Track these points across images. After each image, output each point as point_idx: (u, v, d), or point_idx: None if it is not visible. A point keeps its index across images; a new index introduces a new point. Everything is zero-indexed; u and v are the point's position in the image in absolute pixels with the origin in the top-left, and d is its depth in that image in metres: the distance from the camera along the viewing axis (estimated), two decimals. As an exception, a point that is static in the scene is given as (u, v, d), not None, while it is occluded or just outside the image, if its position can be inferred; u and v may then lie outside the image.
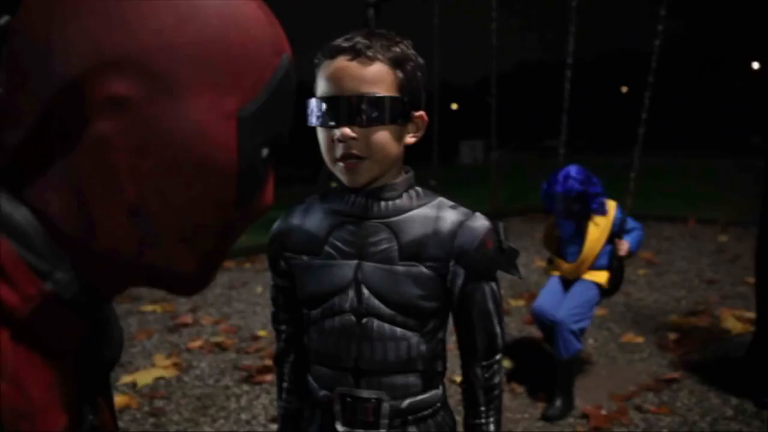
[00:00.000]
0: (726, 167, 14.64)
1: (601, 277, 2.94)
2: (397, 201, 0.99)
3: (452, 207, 1.00)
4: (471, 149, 37.98)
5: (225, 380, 3.29)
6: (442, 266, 0.97)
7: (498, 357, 1.05)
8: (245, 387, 3.19)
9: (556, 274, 3.11)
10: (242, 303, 4.91)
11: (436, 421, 1.04)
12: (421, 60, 0.98)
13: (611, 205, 2.93)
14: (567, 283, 3.02)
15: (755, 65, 40.21)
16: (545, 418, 2.75)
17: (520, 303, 4.59)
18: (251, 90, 0.41)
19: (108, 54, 0.36)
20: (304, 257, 1.02)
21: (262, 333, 4.06)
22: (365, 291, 0.97)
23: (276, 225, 1.10)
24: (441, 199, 1.01)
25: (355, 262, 0.97)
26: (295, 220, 1.06)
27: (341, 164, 0.94)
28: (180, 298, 5.02)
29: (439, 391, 1.05)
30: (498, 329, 1.03)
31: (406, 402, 1.00)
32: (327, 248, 1.00)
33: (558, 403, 2.78)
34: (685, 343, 3.63)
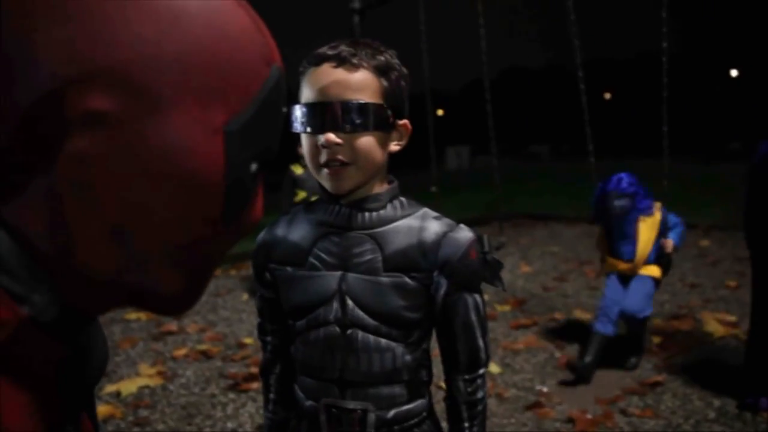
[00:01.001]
0: (706, 172, 14.85)
1: (655, 270, 3.46)
2: (381, 212, 0.99)
3: (436, 218, 1.00)
4: (457, 155, 38.14)
5: (211, 388, 3.26)
6: (426, 277, 0.97)
7: (481, 371, 1.03)
8: (231, 395, 3.17)
9: (615, 269, 3.52)
10: (228, 310, 4.87)
11: (422, 430, 1.04)
12: (405, 70, 0.99)
13: (657, 207, 3.42)
14: (624, 278, 3.50)
15: (734, 73, 40.97)
16: (626, 368, 3.33)
17: (506, 308, 4.61)
18: (239, 103, 0.39)
19: (87, 65, 0.34)
20: (289, 268, 1.02)
21: (248, 341, 4.03)
22: (349, 302, 0.97)
23: (261, 236, 1.10)
24: (425, 210, 1.01)
25: (339, 273, 0.97)
26: (280, 230, 1.05)
27: (326, 170, 0.94)
28: (165, 306, 4.97)
29: (425, 401, 1.05)
30: (481, 342, 1.02)
31: (392, 412, 0.99)
32: (311, 259, 0.99)
33: (633, 359, 3.40)
34: (668, 346, 3.68)
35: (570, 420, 2.78)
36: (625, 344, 3.50)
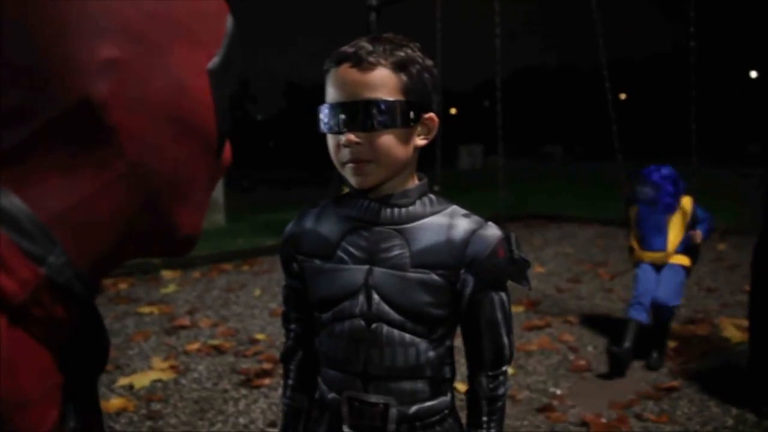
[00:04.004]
0: (723, 175, 14.68)
1: (685, 260, 3.62)
2: (410, 208, 0.99)
3: (465, 215, 1.00)
4: (470, 154, 38.05)
5: (223, 383, 3.27)
6: (453, 274, 0.98)
7: (504, 368, 1.05)
8: (243, 391, 3.17)
9: (645, 259, 3.65)
10: (240, 306, 4.89)
11: (443, 428, 1.03)
12: (429, 62, 0.99)
13: (687, 201, 3.57)
14: (655, 268, 3.63)
15: (753, 74, 40.41)
16: (648, 366, 3.37)
17: (520, 309, 4.58)
18: (214, 46, 0.45)
19: (97, 21, 0.38)
20: (317, 261, 1.03)
21: (260, 336, 4.04)
22: (375, 296, 0.97)
23: (289, 227, 1.11)
24: (454, 207, 1.02)
25: (366, 267, 0.98)
26: (309, 223, 1.07)
27: (349, 166, 0.96)
28: (178, 300, 5.00)
29: (447, 398, 1.05)
30: (506, 340, 1.03)
31: (414, 408, 1.00)
32: (339, 253, 1.00)
33: (655, 354, 3.44)
34: (684, 351, 3.63)
35: (584, 423, 2.75)
36: (647, 340, 3.50)
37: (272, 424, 2.79)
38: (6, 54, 0.37)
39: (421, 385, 1.00)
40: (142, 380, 3.27)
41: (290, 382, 1.16)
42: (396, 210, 0.99)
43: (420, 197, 1.01)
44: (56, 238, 0.38)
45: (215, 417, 2.88)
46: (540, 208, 10.56)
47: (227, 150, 0.50)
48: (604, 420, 2.77)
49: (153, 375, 3.34)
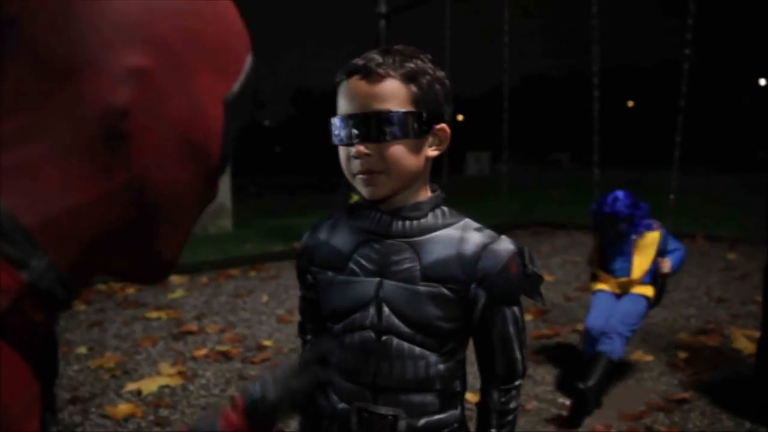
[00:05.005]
0: (732, 184, 14.58)
1: (648, 290, 3.24)
2: (422, 221, 0.99)
3: (477, 229, 1.00)
4: (477, 161, 38.00)
5: (231, 390, 3.26)
6: (464, 288, 0.97)
7: (517, 383, 1.04)
8: (251, 398, 3.16)
9: (604, 287, 3.34)
10: (248, 312, 4.89)
11: None
12: (440, 73, 0.99)
13: (656, 227, 3.24)
14: (615, 296, 3.30)
15: (762, 82, 40.20)
16: (577, 390, 2.83)
17: (528, 318, 4.56)
18: (233, 79, 0.44)
19: (129, 28, 0.38)
20: (329, 273, 1.04)
21: (267, 343, 4.04)
22: (385, 309, 0.97)
23: (304, 238, 1.12)
24: (467, 221, 1.01)
25: (377, 279, 0.98)
26: (323, 235, 1.07)
27: (359, 177, 0.96)
28: (186, 306, 5.01)
29: (457, 412, 1.04)
30: (518, 354, 1.02)
31: (423, 420, 0.99)
32: (351, 265, 1.01)
33: (591, 382, 2.86)
34: (695, 362, 3.59)
35: (594, 435, 2.72)
36: (555, 400, 3.07)
37: (280, 432, 2.78)
38: (27, 44, 0.36)
39: (430, 398, 1.00)
40: (149, 386, 3.27)
41: None
42: (407, 223, 0.99)
43: (432, 209, 1.01)
44: (38, 241, 0.36)
45: (223, 424, 2.87)
46: (548, 215, 10.52)
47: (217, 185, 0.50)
48: (614, 431, 2.74)
49: (161, 380, 3.34)
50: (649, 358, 3.69)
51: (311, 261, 1.08)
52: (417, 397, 0.99)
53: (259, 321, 4.61)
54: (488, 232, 0.99)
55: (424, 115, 0.95)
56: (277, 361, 3.67)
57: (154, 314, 4.69)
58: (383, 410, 0.99)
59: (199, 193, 0.45)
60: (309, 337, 1.16)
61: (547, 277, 6.03)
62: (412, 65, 0.94)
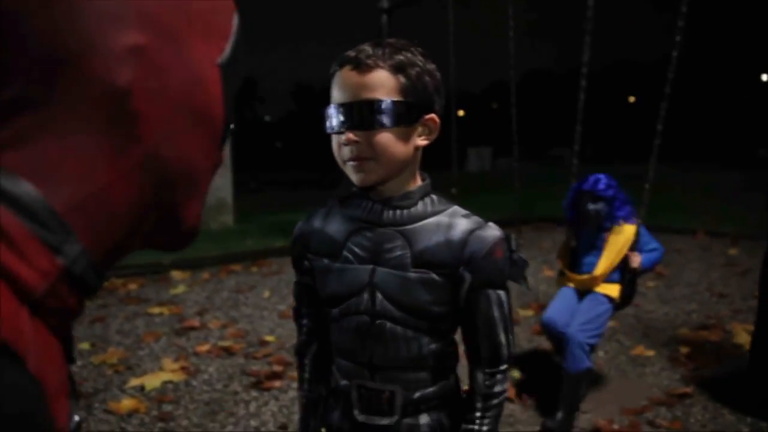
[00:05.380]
0: (733, 180, 14.58)
1: (613, 290, 2.93)
2: (412, 209, 1.03)
3: (465, 216, 1.03)
4: (478, 156, 37.99)
5: (233, 385, 3.27)
6: (452, 273, 1.01)
7: (502, 367, 1.06)
8: (254, 393, 3.17)
9: (569, 285, 3.09)
10: (250, 307, 4.90)
11: (447, 410, 1.09)
12: (430, 65, 1.02)
13: (634, 221, 2.93)
14: (579, 294, 3.02)
15: (765, 77, 40.12)
16: (544, 429, 2.69)
17: (529, 313, 4.57)
18: (224, 41, 0.45)
19: (123, 8, 0.38)
20: (325, 260, 1.08)
21: (270, 338, 4.05)
22: (378, 295, 1.02)
23: (298, 227, 1.17)
24: (455, 208, 1.05)
25: (370, 267, 1.03)
26: (317, 222, 1.12)
27: (350, 164, 1.00)
28: (188, 301, 5.02)
29: (449, 381, 1.10)
30: (502, 338, 1.05)
31: (418, 393, 1.05)
32: (345, 252, 1.05)
33: (559, 416, 2.69)
34: (696, 357, 3.60)
35: (596, 430, 2.73)
36: (556, 393, 2.83)
37: (283, 427, 2.79)
38: (27, 36, 0.36)
39: (424, 375, 1.05)
40: (153, 381, 3.28)
41: (306, 375, 1.21)
42: (398, 211, 1.02)
43: (422, 198, 1.04)
44: (70, 226, 0.37)
45: (226, 419, 2.88)
46: (549, 211, 10.52)
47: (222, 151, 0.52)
48: (616, 426, 2.75)
49: (164, 376, 3.35)
50: (651, 352, 3.70)
51: (306, 248, 1.12)
52: (411, 375, 1.05)
53: (261, 316, 4.62)
54: (475, 219, 1.03)
55: (412, 104, 0.98)
56: (279, 356, 3.68)
57: (156, 310, 4.70)
58: (380, 386, 1.05)
59: (209, 157, 0.46)
60: (305, 321, 1.20)
61: (549, 272, 6.04)
62: (401, 57, 0.98)
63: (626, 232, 2.90)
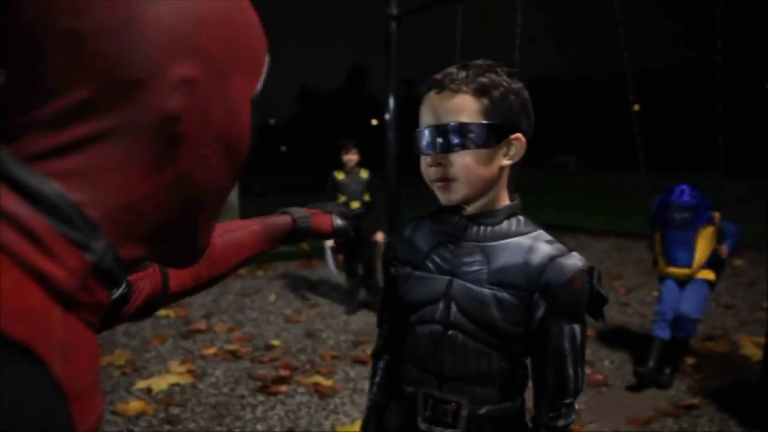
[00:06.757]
0: (738, 190, 14.53)
1: (709, 274, 3.61)
2: (497, 227, 1.05)
3: (548, 241, 1.03)
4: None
5: (240, 389, 3.28)
6: (526, 296, 1.00)
7: (567, 400, 1.03)
8: (260, 397, 3.18)
9: (669, 275, 3.64)
10: (255, 311, 4.91)
11: (511, 429, 1.07)
12: (516, 85, 1.02)
13: (716, 217, 3.54)
14: (678, 282, 3.64)
15: (770, 88, 39.96)
16: (637, 375, 3.29)
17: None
18: (258, 77, 0.49)
19: (180, 41, 0.41)
20: (408, 268, 1.12)
21: (276, 342, 4.05)
22: (453, 306, 1.04)
23: (393, 234, 1.22)
24: (540, 232, 1.05)
25: (448, 278, 1.05)
26: (407, 232, 1.17)
27: (436, 184, 1.03)
28: (194, 304, 5.03)
29: (516, 404, 1.08)
30: (571, 371, 1.02)
31: (484, 409, 1.05)
32: (427, 263, 1.09)
33: (667, 371, 3.39)
34: (703, 368, 3.59)
35: (602, 440, 2.73)
36: (664, 355, 3.47)
37: (290, 431, 2.79)
38: (101, 53, 0.38)
39: (491, 391, 1.05)
40: (160, 384, 3.29)
41: (377, 379, 1.25)
42: (482, 228, 1.05)
43: (508, 217, 1.06)
44: (95, 222, 0.39)
45: (233, 423, 2.89)
46: (554, 219, 10.52)
47: None
48: (622, 436, 2.75)
49: (171, 379, 3.36)
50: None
51: (395, 255, 1.17)
52: (479, 389, 1.04)
53: (267, 320, 4.63)
54: (558, 246, 1.02)
55: (496, 126, 0.99)
56: (285, 361, 3.69)
57: (162, 312, 4.70)
58: (447, 397, 1.05)
59: (229, 186, 0.49)
60: (385, 327, 1.25)
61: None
62: (484, 79, 0.98)
63: (711, 229, 3.53)
